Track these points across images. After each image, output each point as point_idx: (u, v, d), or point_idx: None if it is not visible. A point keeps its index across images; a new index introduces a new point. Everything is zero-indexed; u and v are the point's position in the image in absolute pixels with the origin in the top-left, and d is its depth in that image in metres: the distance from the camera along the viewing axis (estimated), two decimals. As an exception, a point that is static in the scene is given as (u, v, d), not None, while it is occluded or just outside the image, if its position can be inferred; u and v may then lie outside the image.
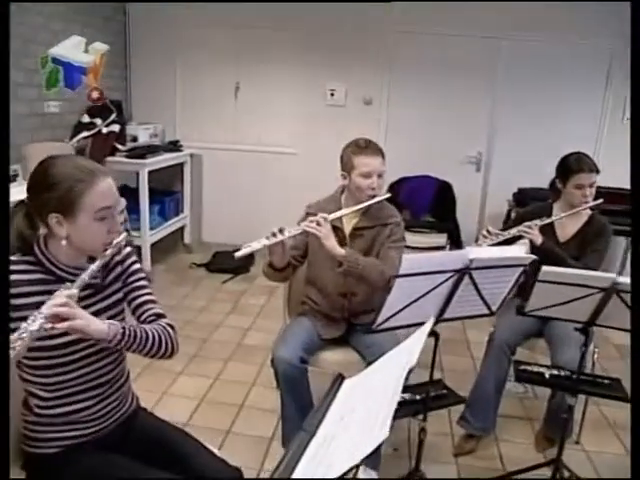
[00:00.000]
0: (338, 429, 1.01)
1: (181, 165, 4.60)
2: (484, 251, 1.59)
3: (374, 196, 2.06)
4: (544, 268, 1.64)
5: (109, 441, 1.42)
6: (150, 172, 4.61)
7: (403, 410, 1.77)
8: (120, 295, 1.42)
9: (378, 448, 0.87)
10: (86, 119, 3.92)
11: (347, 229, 2.16)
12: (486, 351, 2.30)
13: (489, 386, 2.26)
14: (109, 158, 3.88)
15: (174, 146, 4.47)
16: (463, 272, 1.56)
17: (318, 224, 1.95)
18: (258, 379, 2.83)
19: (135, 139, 4.14)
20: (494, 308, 1.75)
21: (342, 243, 2.11)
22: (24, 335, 1.07)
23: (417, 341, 1.20)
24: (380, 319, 1.59)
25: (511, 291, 1.69)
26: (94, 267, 1.25)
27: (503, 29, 4.09)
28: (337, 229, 2.12)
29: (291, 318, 2.38)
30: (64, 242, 1.27)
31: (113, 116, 3.99)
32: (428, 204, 4.26)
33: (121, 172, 4.08)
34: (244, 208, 4.67)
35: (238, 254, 1.85)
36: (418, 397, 1.81)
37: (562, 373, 1.93)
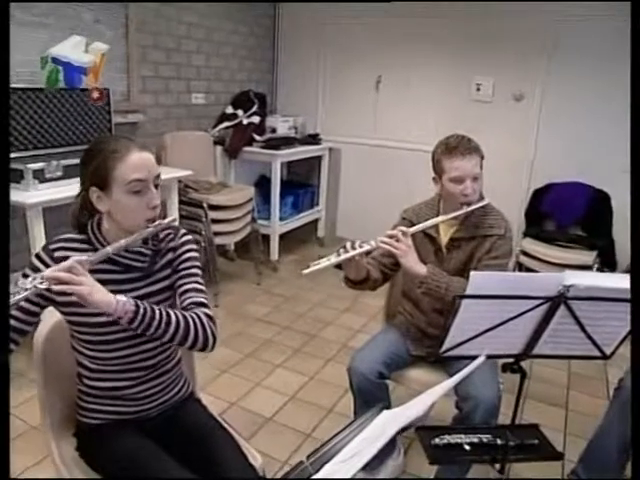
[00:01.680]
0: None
1: (319, 158, 4.60)
2: (588, 277, 1.25)
3: (469, 203, 1.78)
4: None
5: (150, 425, 1.42)
6: (289, 164, 4.74)
7: (478, 453, 1.50)
8: (168, 282, 1.39)
9: None
10: (230, 110, 4.13)
11: (444, 239, 1.90)
12: (612, 399, 1.87)
13: (610, 442, 1.83)
14: (246, 148, 4.03)
15: (313, 139, 4.48)
16: (556, 301, 1.25)
17: (397, 239, 1.73)
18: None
19: (274, 131, 4.23)
20: (607, 350, 1.39)
21: (437, 254, 1.89)
22: (18, 290, 1.07)
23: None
24: (448, 344, 1.35)
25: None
26: (123, 242, 1.23)
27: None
28: (433, 239, 1.90)
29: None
30: (105, 219, 1.30)
31: (254, 108, 4.14)
32: (578, 215, 3.66)
33: (258, 162, 4.24)
34: (380, 206, 4.50)
35: (306, 272, 1.69)
36: (499, 442, 1.51)
37: None
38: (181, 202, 3.25)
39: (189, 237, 1.45)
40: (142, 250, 1.34)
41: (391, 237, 1.72)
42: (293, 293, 3.78)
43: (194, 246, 1.44)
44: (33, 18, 2.79)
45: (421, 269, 1.75)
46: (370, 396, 1.87)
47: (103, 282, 1.17)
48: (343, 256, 1.68)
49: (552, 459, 1.55)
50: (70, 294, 1.11)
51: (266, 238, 4.16)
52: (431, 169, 1.88)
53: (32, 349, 1.42)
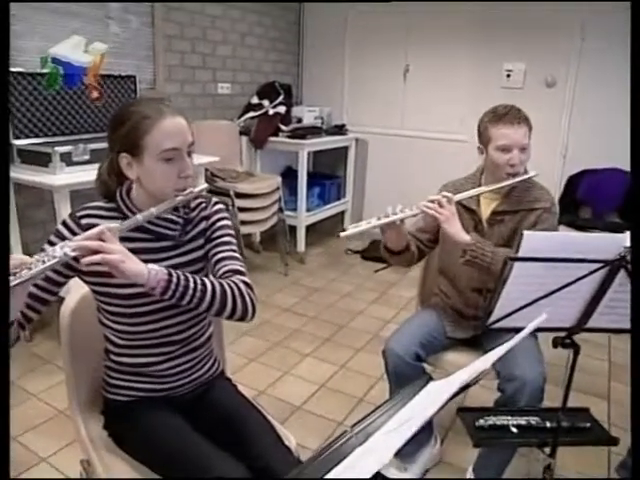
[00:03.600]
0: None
1: (345, 149, 4.54)
2: (652, 238, 1.14)
3: (515, 175, 1.69)
4: None
5: (180, 403, 1.36)
6: (315, 155, 4.68)
7: (526, 436, 1.40)
8: (201, 252, 1.33)
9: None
10: (255, 100, 4.09)
11: (485, 213, 1.81)
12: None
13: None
14: (272, 138, 3.98)
15: (339, 130, 4.41)
16: (615, 265, 1.15)
17: (440, 205, 1.65)
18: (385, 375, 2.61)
19: (300, 121, 4.18)
20: (669, 322, 1.27)
21: (477, 229, 1.79)
22: (45, 259, 0.99)
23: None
24: (496, 315, 1.26)
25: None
26: (154, 210, 1.16)
27: None
28: (472, 212, 1.81)
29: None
30: (134, 186, 1.24)
31: (280, 98, 4.10)
32: (615, 202, 3.52)
33: (284, 153, 4.20)
34: (408, 197, 4.37)
35: (343, 234, 1.64)
36: (548, 424, 1.41)
37: None
38: (207, 191, 3.20)
39: (221, 206, 1.39)
40: (174, 218, 1.28)
41: (434, 202, 1.65)
42: (321, 284, 3.71)
43: (227, 214, 1.38)
44: (62, 5, 2.79)
45: (465, 236, 1.66)
46: (406, 380, 1.78)
47: (133, 251, 1.11)
48: (384, 220, 1.63)
49: (606, 444, 1.45)
50: (99, 263, 1.04)
51: (292, 230, 4.11)
52: (476, 139, 1.80)
53: (58, 333, 1.37)
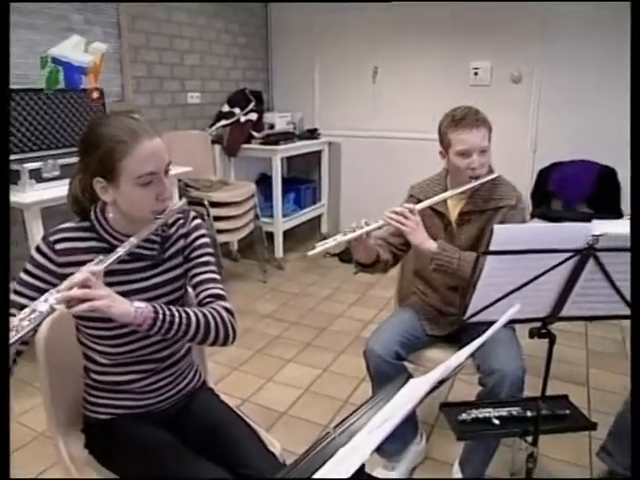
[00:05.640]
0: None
1: (319, 153, 4.55)
2: (618, 225, 1.18)
3: (477, 177, 1.71)
4: None
5: (162, 418, 1.35)
6: (288, 160, 4.68)
7: (508, 427, 1.42)
8: (180, 271, 1.32)
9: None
10: (226, 108, 4.08)
11: (453, 214, 1.83)
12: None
13: (642, 412, 1.75)
14: (245, 145, 3.98)
15: (312, 134, 4.43)
16: (584, 254, 1.18)
17: (404, 216, 1.65)
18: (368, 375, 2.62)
19: (272, 127, 4.18)
20: (639, 307, 1.31)
21: (447, 230, 1.82)
22: (32, 316, 0.97)
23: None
24: (473, 308, 1.28)
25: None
26: (134, 240, 1.14)
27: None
28: (441, 214, 1.83)
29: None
30: (110, 209, 1.21)
31: (251, 105, 4.09)
32: (585, 193, 3.60)
33: (258, 160, 4.19)
34: (383, 198, 4.39)
35: (311, 253, 1.62)
36: (529, 414, 1.43)
37: None
38: (182, 202, 3.18)
39: (199, 221, 1.38)
40: (151, 237, 1.26)
41: (398, 214, 1.66)
42: (300, 289, 3.71)
43: (205, 231, 1.37)
44: (23, 19, 2.75)
45: (431, 245, 1.69)
46: (388, 379, 1.79)
47: (110, 273, 1.11)
48: (349, 235, 1.63)
49: (585, 429, 1.47)
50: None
51: (270, 236, 4.10)
52: (438, 143, 1.81)
53: (35, 353, 1.34)
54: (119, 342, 1.26)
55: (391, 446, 1.92)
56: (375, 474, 1.90)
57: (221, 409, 1.39)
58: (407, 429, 1.96)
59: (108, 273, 1.10)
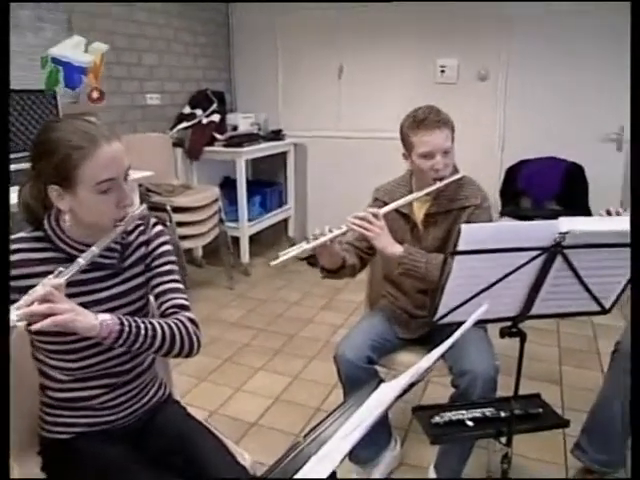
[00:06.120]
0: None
1: (284, 155, 4.48)
2: (584, 223, 1.16)
3: (441, 179, 1.68)
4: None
5: (126, 434, 1.28)
6: (253, 163, 4.60)
7: (482, 428, 1.39)
8: (141, 279, 1.27)
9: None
10: (187, 110, 3.98)
11: (419, 216, 1.80)
12: (610, 364, 1.79)
13: (614, 408, 1.75)
14: (208, 148, 3.87)
15: (276, 135, 4.35)
16: (552, 251, 1.16)
17: (368, 221, 1.61)
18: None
19: (235, 128, 4.09)
20: (607, 304, 1.30)
21: (414, 232, 1.79)
22: None
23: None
24: (443, 309, 1.24)
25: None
26: (95, 249, 1.09)
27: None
28: (407, 216, 1.80)
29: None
30: (67, 217, 1.14)
31: (213, 106, 4.00)
32: (553, 190, 3.63)
33: (221, 162, 4.09)
34: (351, 199, 4.35)
35: (274, 263, 1.59)
36: (503, 414, 1.41)
37: None
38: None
39: (161, 227, 1.33)
40: (111, 245, 1.20)
41: (362, 219, 1.62)
42: (268, 295, 3.63)
43: (167, 238, 1.33)
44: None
45: (396, 250, 1.65)
46: (360, 384, 1.73)
47: (68, 284, 1.05)
48: (313, 243, 1.58)
49: (558, 427, 1.48)
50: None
51: (235, 241, 4.01)
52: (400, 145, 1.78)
53: None
54: (78, 356, 1.20)
55: (365, 453, 1.88)
56: (350, 484, 1.85)
57: (187, 422, 1.34)
58: (380, 435, 1.92)
59: (66, 284, 1.05)
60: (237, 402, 2.42)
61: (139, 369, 1.32)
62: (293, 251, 1.59)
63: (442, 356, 1.71)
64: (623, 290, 1.28)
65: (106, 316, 1.06)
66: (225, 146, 3.86)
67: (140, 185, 3.13)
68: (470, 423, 1.39)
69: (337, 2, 4.06)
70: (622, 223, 1.14)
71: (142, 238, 1.28)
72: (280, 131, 4.42)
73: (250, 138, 4.01)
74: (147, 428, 1.31)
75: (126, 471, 1.17)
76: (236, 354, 2.86)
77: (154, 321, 1.15)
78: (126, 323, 1.08)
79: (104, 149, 1.07)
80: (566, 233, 1.14)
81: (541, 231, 1.15)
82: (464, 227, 1.11)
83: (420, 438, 2.05)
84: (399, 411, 2.14)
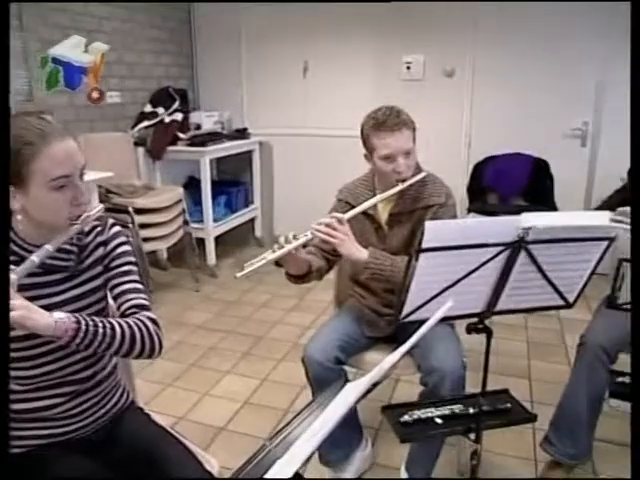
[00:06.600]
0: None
1: (249, 154, 4.41)
2: (548, 218, 1.16)
3: (404, 180, 1.66)
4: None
5: (87, 444, 1.23)
6: (218, 162, 4.52)
7: (451, 425, 1.38)
8: (100, 281, 1.23)
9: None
10: (148, 108, 3.88)
11: (383, 216, 1.79)
12: (576, 358, 1.80)
13: (580, 402, 1.76)
14: (170, 147, 3.78)
15: (241, 134, 4.28)
16: (515, 247, 1.15)
17: (333, 228, 1.58)
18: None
19: (198, 127, 4.01)
20: (571, 298, 1.30)
21: (379, 233, 1.78)
22: None
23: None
24: (408, 307, 1.22)
25: (592, 274, 1.24)
26: (49, 247, 1.05)
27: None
28: (371, 217, 1.78)
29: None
30: (19, 217, 1.10)
31: (176, 105, 3.90)
32: (520, 186, 3.66)
33: (185, 162, 3.99)
34: (318, 198, 4.30)
35: (239, 275, 1.54)
36: (471, 410, 1.40)
37: None
38: (104, 210, 2.99)
39: (119, 228, 1.29)
40: (67, 247, 1.17)
41: (327, 226, 1.58)
42: (235, 297, 3.57)
43: (125, 238, 1.29)
44: None
45: (362, 255, 1.63)
46: (328, 384, 1.70)
47: (23, 288, 1.02)
48: (278, 252, 1.55)
49: (526, 421, 1.47)
50: None
51: (201, 242, 3.92)
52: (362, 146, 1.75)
53: None
54: (34, 364, 1.15)
55: (335, 454, 1.85)
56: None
57: (152, 430, 1.30)
58: (350, 435, 1.89)
59: (21, 288, 1.02)
60: (205, 407, 2.36)
61: (100, 376, 1.27)
62: (258, 263, 1.55)
63: (409, 354, 1.72)
64: (586, 284, 1.28)
65: (62, 314, 1.02)
66: (188, 145, 3.78)
67: (100, 186, 3.04)
68: (439, 421, 1.38)
69: (301, 2, 4.02)
70: (583, 218, 1.14)
71: (100, 239, 1.24)
72: (245, 129, 4.35)
73: (214, 137, 3.93)
74: (110, 437, 1.27)
75: None
76: (202, 358, 2.79)
77: (113, 320, 1.11)
78: (83, 322, 1.04)
79: (57, 146, 1.05)
80: (529, 228, 1.14)
81: (504, 227, 1.15)
82: (428, 224, 1.09)
83: (391, 437, 2.02)
84: (369, 410, 2.11)
